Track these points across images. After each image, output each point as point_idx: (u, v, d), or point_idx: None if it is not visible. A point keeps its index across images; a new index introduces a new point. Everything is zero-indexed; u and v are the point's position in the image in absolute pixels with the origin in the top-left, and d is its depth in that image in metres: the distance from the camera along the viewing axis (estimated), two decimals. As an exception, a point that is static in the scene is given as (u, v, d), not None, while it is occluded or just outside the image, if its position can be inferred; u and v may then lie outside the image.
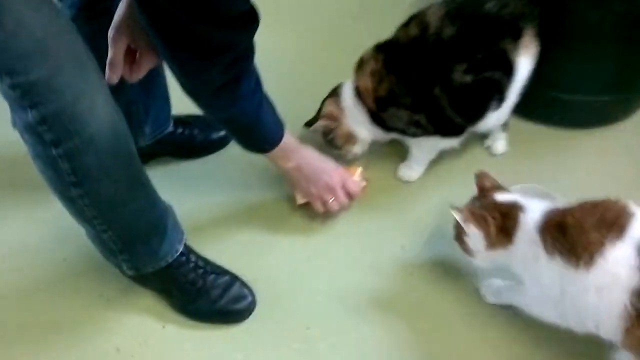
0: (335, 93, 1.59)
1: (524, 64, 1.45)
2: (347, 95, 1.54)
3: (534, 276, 1.11)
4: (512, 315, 1.27)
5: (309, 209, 1.53)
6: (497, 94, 1.46)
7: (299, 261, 1.50)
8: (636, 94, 1.71)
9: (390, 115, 1.49)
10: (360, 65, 1.50)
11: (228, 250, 1.49)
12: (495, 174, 1.31)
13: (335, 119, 1.56)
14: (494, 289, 1.32)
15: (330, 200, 1.48)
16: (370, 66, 1.47)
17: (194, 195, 1.63)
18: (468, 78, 1.39)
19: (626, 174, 1.60)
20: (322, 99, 1.61)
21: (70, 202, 1.16)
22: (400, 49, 1.44)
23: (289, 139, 1.38)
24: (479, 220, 1.18)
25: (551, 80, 1.60)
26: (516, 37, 1.41)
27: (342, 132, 1.57)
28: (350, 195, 1.51)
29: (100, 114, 1.05)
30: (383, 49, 1.47)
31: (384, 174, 1.66)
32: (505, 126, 1.64)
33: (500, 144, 1.67)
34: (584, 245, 1.01)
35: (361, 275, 1.45)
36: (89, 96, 1.03)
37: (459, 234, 1.25)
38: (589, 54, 1.56)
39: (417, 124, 1.48)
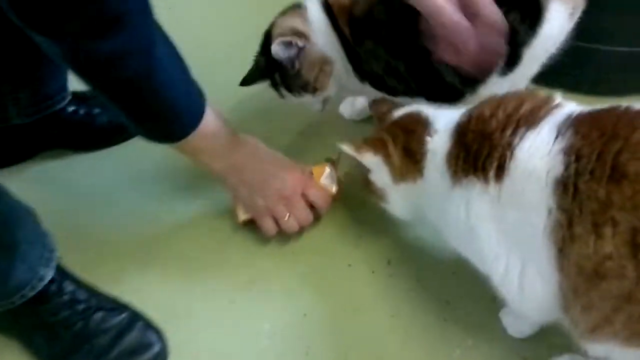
0: (295, 7, 1.10)
1: (559, 13, 0.99)
2: (314, 9, 1.07)
3: (447, 224, 0.84)
4: None
5: (257, 228, 1.07)
6: (510, 48, 0.98)
7: (233, 295, 1.03)
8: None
9: (367, 52, 1.04)
10: None
11: (132, 279, 1.05)
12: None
13: (302, 35, 1.06)
14: None
15: (286, 217, 1.03)
16: None
17: (86, 199, 1.19)
18: None
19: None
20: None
21: None
22: None
23: (214, 121, 0.93)
24: (375, 145, 0.92)
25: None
26: None
27: (314, 56, 1.06)
28: (314, 208, 1.06)
29: None
30: None
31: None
32: None
33: None
34: (489, 153, 0.75)
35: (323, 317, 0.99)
36: None
37: (364, 178, 0.96)
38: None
39: (396, 74, 1.04)
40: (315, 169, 1.09)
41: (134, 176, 1.23)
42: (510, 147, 0.73)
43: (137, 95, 0.81)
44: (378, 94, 1.11)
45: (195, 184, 1.17)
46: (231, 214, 1.09)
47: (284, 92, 1.11)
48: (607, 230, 0.64)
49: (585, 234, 0.65)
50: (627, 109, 0.69)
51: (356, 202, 1.11)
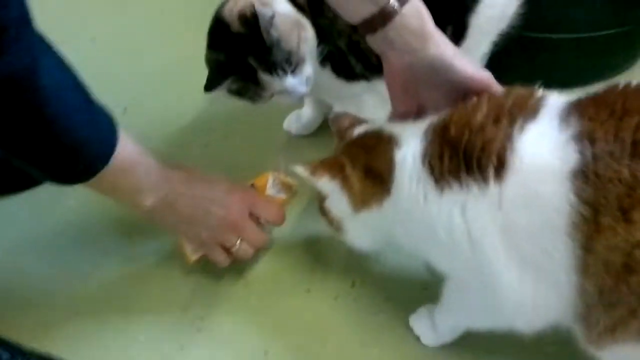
0: None
1: None
2: None
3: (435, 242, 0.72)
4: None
5: (212, 263, 0.96)
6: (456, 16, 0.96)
7: (183, 339, 0.92)
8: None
9: (329, 22, 0.95)
10: None
11: (64, 332, 0.92)
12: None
13: (266, 4, 0.95)
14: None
15: (237, 245, 0.91)
16: None
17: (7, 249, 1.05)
18: None
19: None
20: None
21: None
22: None
23: (132, 151, 0.81)
24: (332, 168, 0.81)
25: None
26: None
27: (287, 20, 0.96)
28: (267, 223, 0.96)
29: None
30: None
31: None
32: None
33: None
34: (483, 147, 0.65)
35: None
36: None
37: (321, 204, 0.86)
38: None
39: (356, 50, 0.96)
40: (257, 181, 0.98)
41: (62, 219, 1.10)
42: (510, 139, 0.65)
43: (26, 131, 0.69)
44: (333, 88, 1.03)
45: (135, 222, 1.02)
46: (178, 253, 0.97)
47: (265, 78, 0.96)
48: (637, 214, 0.58)
49: (613, 222, 0.59)
50: (629, 85, 0.64)
51: (310, 215, 1.01)
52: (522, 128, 0.65)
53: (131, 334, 0.92)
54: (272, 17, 0.92)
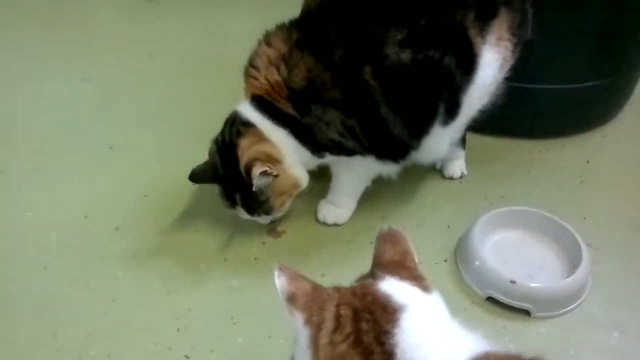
0: (241, 126, 1.03)
1: (492, 62, 1.01)
2: (254, 116, 1.02)
3: None
4: None
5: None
6: (447, 93, 1.00)
7: None
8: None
9: (317, 118, 0.99)
10: (254, 59, 1.02)
11: None
12: (453, 207, 1.08)
13: (272, 159, 1.02)
14: None
15: None
16: (275, 51, 0.99)
17: None
18: (405, 55, 0.93)
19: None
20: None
21: None
22: (314, 19, 0.98)
23: None
24: (312, 306, 0.61)
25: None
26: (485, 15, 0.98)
27: (285, 182, 1.04)
28: None
29: None
30: (294, 27, 1.00)
31: (300, 222, 1.15)
32: (463, 142, 1.23)
33: (457, 165, 1.26)
34: None
35: None
36: None
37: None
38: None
39: (352, 133, 1.01)
40: None
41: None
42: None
43: None
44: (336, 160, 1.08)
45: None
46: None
47: (240, 211, 1.06)
48: None
49: None
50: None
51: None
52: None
53: None
54: (268, 185, 1.01)
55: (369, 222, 1.13)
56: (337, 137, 1.01)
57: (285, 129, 1.00)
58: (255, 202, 1.03)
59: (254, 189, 0.98)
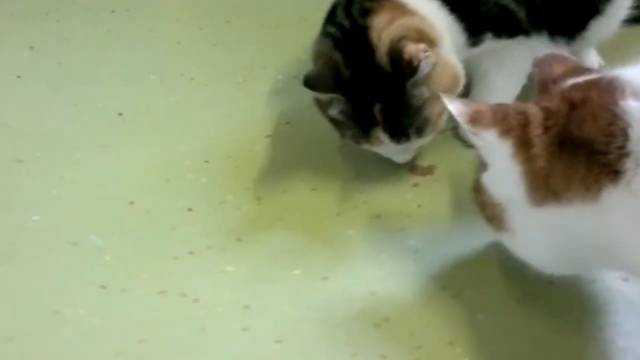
0: (367, 0, 0.79)
1: None
2: None
3: None
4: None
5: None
6: None
7: None
8: None
9: None
10: None
11: None
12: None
13: (424, 38, 0.77)
14: None
15: None
16: None
17: None
18: None
19: None
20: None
21: None
22: None
23: None
24: (506, 119, 0.54)
25: None
26: None
27: (444, 68, 0.78)
28: None
29: None
30: None
31: (443, 151, 0.92)
32: None
33: (593, 55, 1.05)
34: None
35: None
36: None
37: (477, 177, 0.60)
38: None
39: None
40: None
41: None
42: None
43: None
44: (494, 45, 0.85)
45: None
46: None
47: (379, 135, 0.78)
48: None
49: None
50: None
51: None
52: None
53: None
54: (424, 81, 0.75)
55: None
56: (510, 4, 0.81)
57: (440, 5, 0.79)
58: (406, 114, 0.75)
59: (413, 80, 0.72)
